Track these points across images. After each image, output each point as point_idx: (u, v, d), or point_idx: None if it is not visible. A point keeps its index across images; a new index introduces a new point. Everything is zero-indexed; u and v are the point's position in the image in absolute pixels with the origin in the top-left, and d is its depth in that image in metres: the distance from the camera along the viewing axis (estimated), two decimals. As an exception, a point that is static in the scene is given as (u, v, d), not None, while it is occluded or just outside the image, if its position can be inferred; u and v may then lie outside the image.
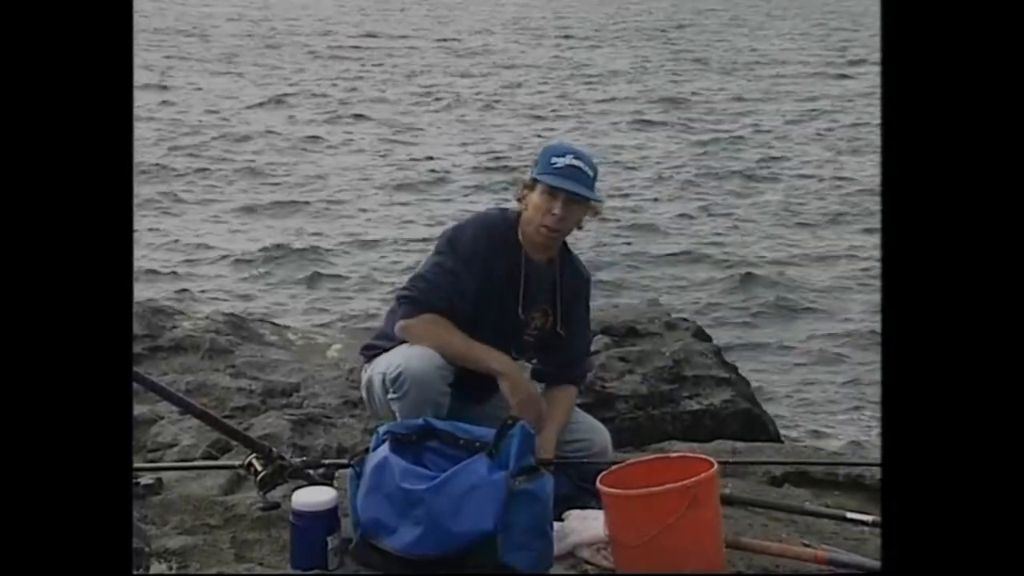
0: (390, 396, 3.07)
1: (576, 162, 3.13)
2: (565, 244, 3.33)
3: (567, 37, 29.48)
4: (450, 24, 32.65)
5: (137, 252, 9.03)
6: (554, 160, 3.13)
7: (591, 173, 3.17)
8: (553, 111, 18.48)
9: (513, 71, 23.11)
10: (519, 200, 3.24)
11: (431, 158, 14.59)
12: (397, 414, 3.07)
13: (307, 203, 12.20)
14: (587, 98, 19.81)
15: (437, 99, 19.51)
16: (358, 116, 17.66)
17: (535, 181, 3.16)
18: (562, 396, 3.31)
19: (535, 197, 3.16)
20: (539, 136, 15.53)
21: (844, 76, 22.59)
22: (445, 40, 28.47)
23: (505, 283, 3.20)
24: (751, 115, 18.19)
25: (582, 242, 9.95)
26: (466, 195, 12.60)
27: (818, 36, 30.07)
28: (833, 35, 30.69)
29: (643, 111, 18.38)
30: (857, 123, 17.04)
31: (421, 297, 3.12)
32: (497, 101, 19.31)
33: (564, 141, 3.41)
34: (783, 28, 32.70)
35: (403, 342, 3.13)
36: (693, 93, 20.48)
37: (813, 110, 18.77)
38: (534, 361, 3.39)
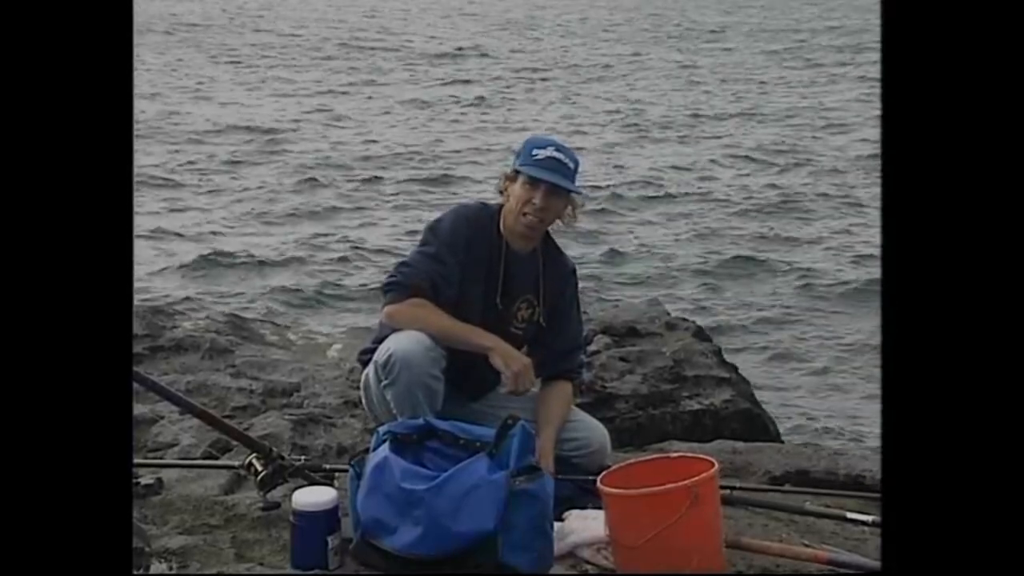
0: (383, 384, 3.08)
1: (557, 154, 3.17)
2: (548, 234, 3.35)
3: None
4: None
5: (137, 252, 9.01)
6: (535, 152, 3.18)
7: (572, 166, 3.20)
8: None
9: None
10: (501, 192, 3.28)
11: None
12: (391, 403, 3.06)
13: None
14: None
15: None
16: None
17: (516, 172, 3.21)
18: (556, 396, 3.31)
19: (516, 188, 3.20)
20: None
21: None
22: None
23: (486, 272, 3.22)
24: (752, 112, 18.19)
25: (584, 240, 9.92)
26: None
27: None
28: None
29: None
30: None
31: (405, 281, 3.14)
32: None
33: (546, 134, 3.42)
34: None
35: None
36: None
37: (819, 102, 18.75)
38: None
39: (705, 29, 31.74)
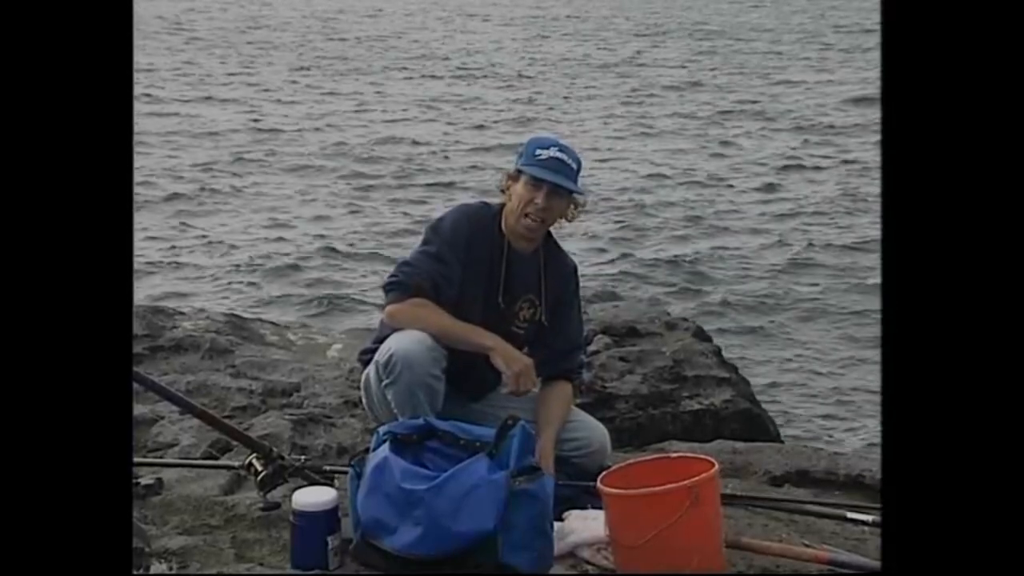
0: (384, 384, 3.08)
1: (560, 154, 3.17)
2: (550, 234, 3.35)
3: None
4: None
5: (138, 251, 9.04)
6: (538, 152, 3.17)
7: (575, 166, 3.20)
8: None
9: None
10: (503, 191, 3.27)
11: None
12: (392, 403, 3.06)
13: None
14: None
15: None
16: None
17: (519, 172, 3.20)
18: (556, 396, 3.30)
19: (519, 188, 3.19)
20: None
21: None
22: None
23: (488, 271, 3.22)
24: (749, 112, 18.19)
25: (583, 239, 9.91)
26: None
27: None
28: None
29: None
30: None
31: (406, 280, 3.14)
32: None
33: (549, 134, 3.46)
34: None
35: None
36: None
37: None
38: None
39: (708, 29, 31.76)
